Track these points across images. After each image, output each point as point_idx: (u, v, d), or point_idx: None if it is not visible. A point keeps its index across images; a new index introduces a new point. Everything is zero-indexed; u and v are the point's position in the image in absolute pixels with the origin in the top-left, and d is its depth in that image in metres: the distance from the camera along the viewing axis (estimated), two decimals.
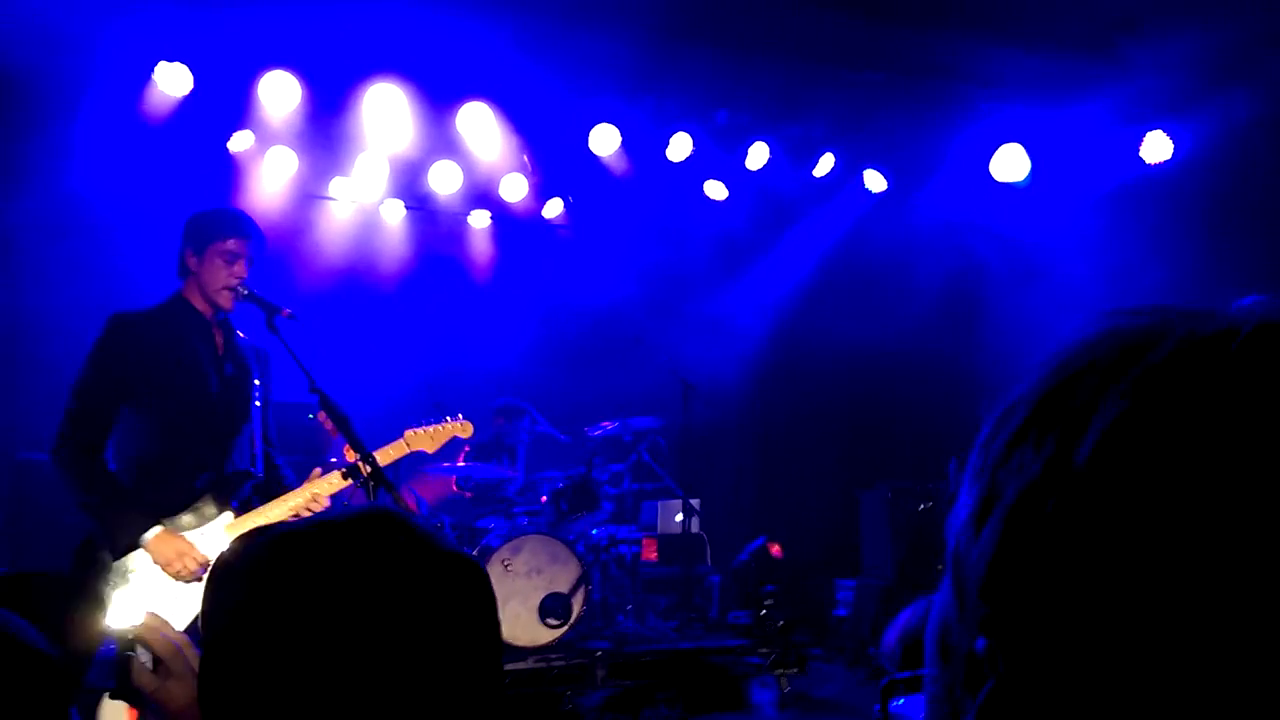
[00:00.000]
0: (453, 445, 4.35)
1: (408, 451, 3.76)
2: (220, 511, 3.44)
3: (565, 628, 5.93)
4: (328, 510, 0.98)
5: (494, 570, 5.88)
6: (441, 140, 7.01)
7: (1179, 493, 0.45)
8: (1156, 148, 7.13)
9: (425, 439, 3.85)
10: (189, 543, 3.33)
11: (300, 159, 7.02)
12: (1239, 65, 6.73)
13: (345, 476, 3.49)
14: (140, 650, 1.25)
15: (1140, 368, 0.49)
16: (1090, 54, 6.86)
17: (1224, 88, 6.91)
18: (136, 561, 3.31)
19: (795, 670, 6.13)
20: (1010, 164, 7.39)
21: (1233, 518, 0.44)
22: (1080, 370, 0.51)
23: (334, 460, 6.44)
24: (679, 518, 7.07)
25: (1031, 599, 0.48)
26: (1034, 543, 0.48)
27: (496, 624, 0.96)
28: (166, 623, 1.30)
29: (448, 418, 3.98)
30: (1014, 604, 0.49)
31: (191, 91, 6.05)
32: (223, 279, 3.43)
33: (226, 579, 0.92)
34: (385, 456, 3.60)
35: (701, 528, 7.12)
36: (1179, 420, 0.46)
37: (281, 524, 0.96)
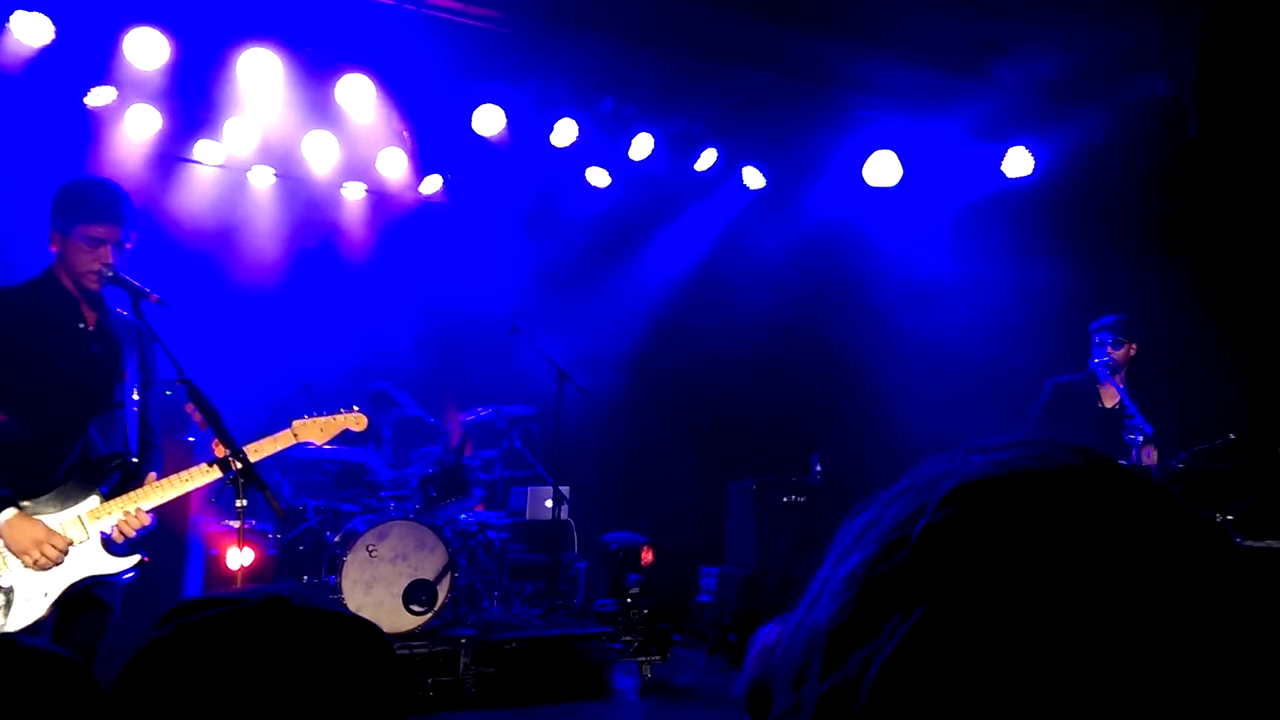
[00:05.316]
0: None
1: (294, 442, 3.62)
2: (85, 496, 3.30)
3: (430, 614, 5.88)
4: (233, 592, 0.99)
5: (358, 556, 5.78)
6: (317, 110, 6.78)
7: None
8: (1017, 163, 7.48)
9: (314, 430, 3.72)
10: (46, 529, 3.19)
11: (164, 119, 6.68)
12: (1096, 88, 7.12)
13: (212, 465, 3.38)
14: None
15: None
16: (961, 70, 7.14)
17: (1081, 108, 7.30)
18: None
19: (658, 658, 6.25)
20: (882, 170, 7.62)
21: None
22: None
23: (191, 439, 6.20)
24: (548, 503, 7.08)
25: None
26: None
27: (400, 686, 0.99)
28: None
29: (341, 410, 3.85)
30: None
31: (52, 43, 5.69)
32: (85, 264, 3.31)
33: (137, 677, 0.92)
34: (273, 445, 3.49)
35: (570, 515, 7.14)
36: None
37: (183, 612, 0.95)
